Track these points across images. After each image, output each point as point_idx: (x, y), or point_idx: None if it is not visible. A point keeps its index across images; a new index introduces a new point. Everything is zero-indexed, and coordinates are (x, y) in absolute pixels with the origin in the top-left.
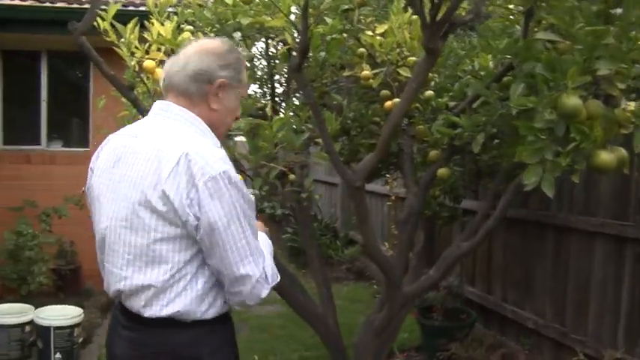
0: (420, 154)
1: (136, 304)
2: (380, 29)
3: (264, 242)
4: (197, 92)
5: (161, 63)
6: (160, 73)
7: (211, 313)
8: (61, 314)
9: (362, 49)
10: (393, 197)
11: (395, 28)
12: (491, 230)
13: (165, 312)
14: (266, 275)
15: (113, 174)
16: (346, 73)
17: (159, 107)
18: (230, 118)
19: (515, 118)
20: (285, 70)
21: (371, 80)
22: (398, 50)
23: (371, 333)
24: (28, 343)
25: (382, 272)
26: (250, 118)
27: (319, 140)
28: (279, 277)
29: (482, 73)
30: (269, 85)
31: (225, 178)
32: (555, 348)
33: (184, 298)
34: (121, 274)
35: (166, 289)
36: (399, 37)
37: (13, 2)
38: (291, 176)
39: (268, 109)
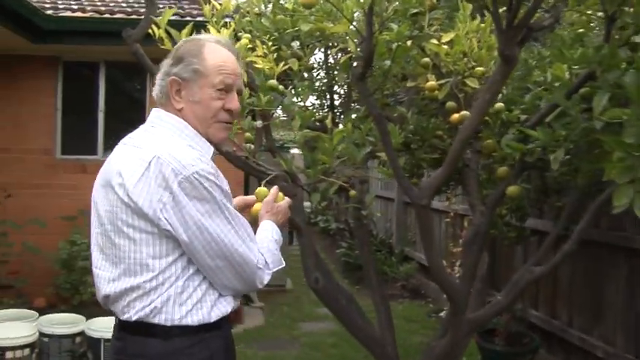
0: (485, 170)
1: (119, 309)
2: (446, 38)
3: (268, 229)
4: (163, 97)
5: None
6: None
7: (195, 320)
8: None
9: (426, 59)
10: (452, 214)
11: (462, 36)
12: (569, 254)
13: (144, 313)
14: (265, 261)
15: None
16: (409, 84)
17: (151, 114)
18: (202, 113)
19: (599, 132)
20: (345, 80)
21: (436, 92)
22: (465, 60)
23: None
24: (78, 355)
25: (447, 297)
26: (307, 130)
27: (380, 154)
28: (283, 263)
29: (555, 84)
30: (327, 97)
31: (199, 177)
32: None
33: (163, 301)
34: (108, 278)
35: (148, 292)
36: (466, 46)
37: (74, 14)
38: (352, 192)
39: (328, 121)
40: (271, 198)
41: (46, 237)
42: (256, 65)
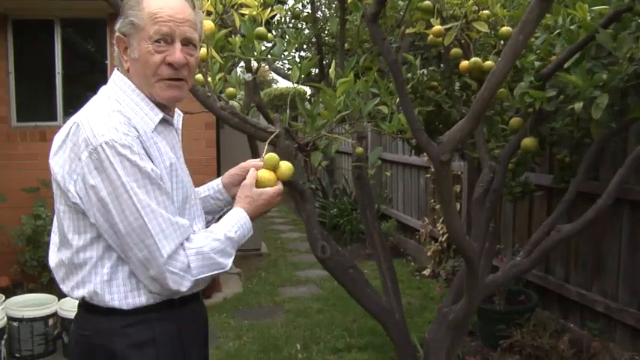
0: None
1: (59, 282)
2: None
3: (229, 222)
4: (117, 57)
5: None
6: (209, 26)
7: (129, 304)
8: None
9: (428, 2)
10: (432, 169)
11: None
12: (603, 209)
13: (76, 294)
14: (188, 265)
15: None
16: (409, 30)
17: (112, 75)
18: (142, 70)
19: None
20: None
21: (440, 38)
22: (470, 2)
23: (445, 327)
24: (53, 337)
25: (465, 261)
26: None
27: (381, 107)
28: (224, 267)
29: (571, 27)
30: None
31: (108, 148)
32: (632, 334)
33: (91, 284)
34: (52, 248)
35: (72, 270)
36: None
37: None
38: (359, 149)
39: (332, 70)
40: (250, 182)
41: (7, 211)
42: (242, 11)
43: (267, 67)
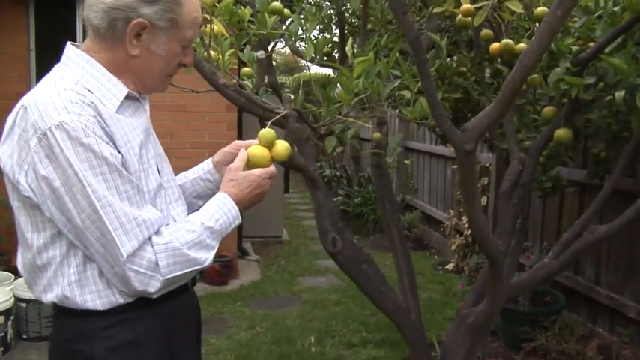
0: (518, 111)
1: (28, 284)
2: None
3: (210, 210)
4: (111, 33)
5: None
6: None
7: (104, 304)
8: None
9: None
10: None
11: None
12: None
13: (45, 299)
14: (156, 262)
15: None
16: (437, 10)
17: (64, 52)
18: (160, 68)
19: None
20: (360, 5)
21: (469, 18)
22: None
23: (464, 330)
24: None
25: (488, 260)
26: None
27: (403, 92)
28: (200, 265)
29: (614, 9)
30: (335, 29)
31: (58, 132)
32: None
33: (58, 286)
34: (19, 251)
35: (37, 273)
36: None
37: None
38: (377, 135)
39: (348, 48)
40: (239, 164)
41: None
42: None
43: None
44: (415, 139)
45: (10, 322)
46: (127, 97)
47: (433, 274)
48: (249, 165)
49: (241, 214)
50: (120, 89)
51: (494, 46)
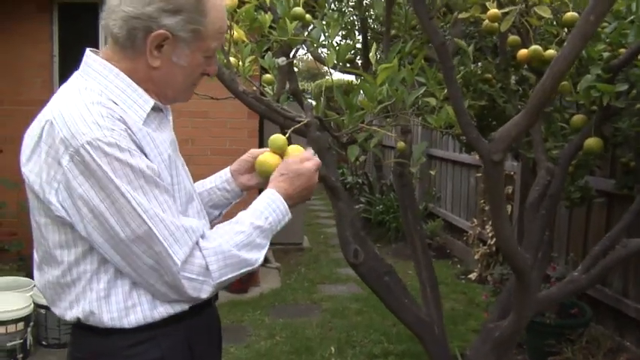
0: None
1: (49, 303)
2: None
3: (258, 209)
4: (130, 43)
5: None
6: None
7: (131, 322)
8: None
9: None
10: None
11: None
12: None
13: (69, 316)
14: (206, 266)
15: None
16: (462, 16)
17: (83, 59)
18: (182, 79)
19: None
20: (384, 12)
21: (496, 23)
22: None
23: (490, 345)
24: None
25: (515, 273)
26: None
27: (429, 99)
28: (252, 266)
29: None
30: (358, 35)
31: (92, 149)
32: None
33: (86, 301)
34: (36, 265)
35: (64, 289)
36: None
37: None
38: (401, 144)
39: (372, 55)
40: (298, 159)
41: None
42: None
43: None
44: (438, 147)
45: (29, 329)
46: (152, 108)
47: (456, 284)
48: (258, 172)
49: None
50: (146, 101)
51: (522, 52)
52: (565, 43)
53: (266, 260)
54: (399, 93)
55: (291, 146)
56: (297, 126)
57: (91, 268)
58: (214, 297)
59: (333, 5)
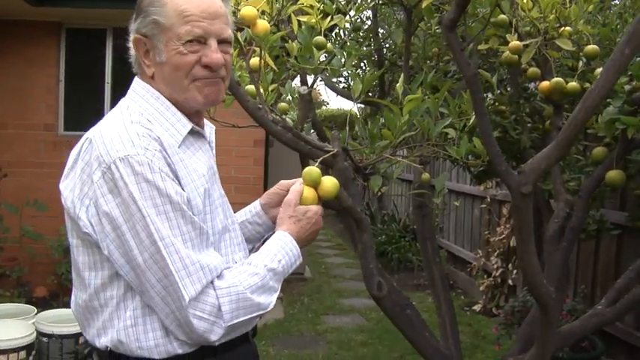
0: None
1: (80, 327)
2: None
3: (271, 250)
4: (136, 64)
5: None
6: (263, 26)
7: (161, 352)
8: None
9: (503, 16)
10: (488, 199)
11: None
12: None
13: (99, 344)
14: (219, 307)
15: None
16: (482, 47)
17: (132, 84)
18: (170, 74)
19: None
20: (402, 41)
21: (516, 55)
22: (552, 16)
23: None
24: (82, 357)
25: (540, 307)
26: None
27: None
28: (264, 310)
29: None
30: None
31: (123, 165)
32: None
33: (114, 329)
34: (73, 287)
35: (93, 314)
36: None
37: None
38: (425, 175)
39: (399, 85)
40: (294, 198)
41: (48, 221)
42: (299, 18)
43: (322, 82)
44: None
45: (31, 358)
46: (191, 132)
47: (461, 316)
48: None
49: None
50: (184, 124)
51: (545, 84)
52: (598, 77)
53: None
54: (425, 124)
55: (325, 177)
56: (325, 156)
57: (117, 293)
58: (254, 332)
59: (348, 35)
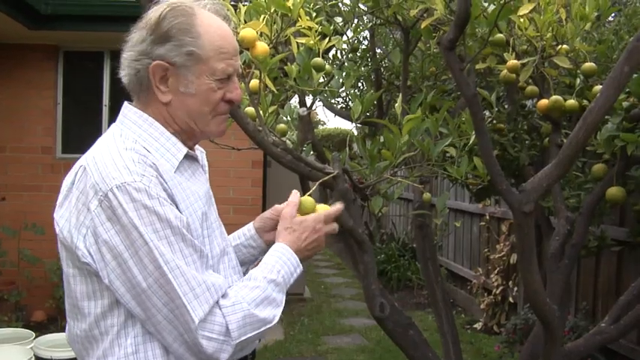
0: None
1: (77, 356)
2: (526, 7)
3: (270, 262)
4: (140, 88)
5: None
6: (263, 48)
7: None
8: None
9: (500, 35)
10: (487, 217)
11: (546, 5)
12: None
13: None
14: (226, 327)
15: None
16: (480, 66)
17: (121, 110)
18: (197, 108)
19: None
20: (400, 62)
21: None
22: (549, 35)
23: None
24: None
25: (543, 325)
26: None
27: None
28: (270, 323)
29: None
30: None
31: (120, 193)
32: None
33: (114, 357)
34: (67, 315)
35: (92, 343)
36: (552, 18)
37: None
38: (427, 195)
39: (398, 105)
40: (292, 209)
41: (46, 244)
42: (298, 40)
43: (320, 102)
44: (439, 195)
45: None
46: (186, 157)
47: (462, 334)
48: None
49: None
50: (179, 149)
51: (543, 102)
52: (598, 95)
53: None
54: (426, 144)
55: (319, 205)
56: (326, 177)
57: (118, 321)
58: (252, 355)
59: (346, 56)
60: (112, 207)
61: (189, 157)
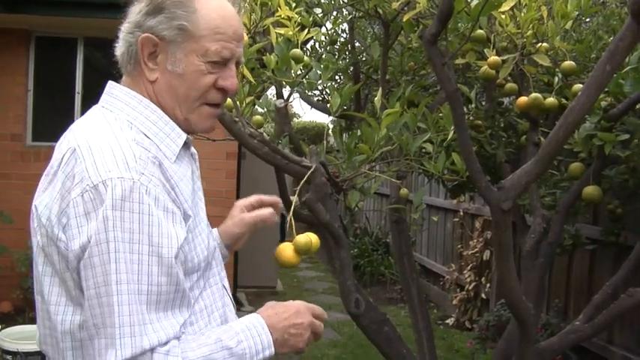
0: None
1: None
2: (508, 4)
3: (236, 328)
4: (128, 61)
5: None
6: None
7: None
8: None
9: (481, 31)
10: (461, 213)
11: (528, 2)
12: None
13: None
14: None
15: None
16: (459, 61)
17: (105, 90)
18: (183, 91)
19: None
20: (379, 56)
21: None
22: (530, 32)
23: None
24: None
25: (518, 323)
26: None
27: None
28: None
29: None
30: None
31: (109, 188)
32: None
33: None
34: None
35: (60, 356)
36: (534, 15)
37: None
38: (404, 191)
39: (377, 99)
40: (275, 302)
41: (14, 233)
42: (277, 30)
43: (297, 94)
44: (413, 191)
45: None
46: (184, 144)
47: (434, 329)
48: (277, 259)
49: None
50: (178, 134)
51: (522, 100)
52: (579, 94)
53: (239, 304)
54: (405, 139)
55: (313, 236)
56: (308, 173)
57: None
58: None
59: (324, 48)
60: (94, 201)
61: (185, 144)
